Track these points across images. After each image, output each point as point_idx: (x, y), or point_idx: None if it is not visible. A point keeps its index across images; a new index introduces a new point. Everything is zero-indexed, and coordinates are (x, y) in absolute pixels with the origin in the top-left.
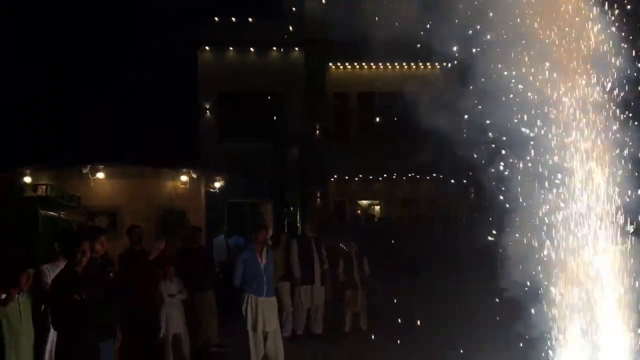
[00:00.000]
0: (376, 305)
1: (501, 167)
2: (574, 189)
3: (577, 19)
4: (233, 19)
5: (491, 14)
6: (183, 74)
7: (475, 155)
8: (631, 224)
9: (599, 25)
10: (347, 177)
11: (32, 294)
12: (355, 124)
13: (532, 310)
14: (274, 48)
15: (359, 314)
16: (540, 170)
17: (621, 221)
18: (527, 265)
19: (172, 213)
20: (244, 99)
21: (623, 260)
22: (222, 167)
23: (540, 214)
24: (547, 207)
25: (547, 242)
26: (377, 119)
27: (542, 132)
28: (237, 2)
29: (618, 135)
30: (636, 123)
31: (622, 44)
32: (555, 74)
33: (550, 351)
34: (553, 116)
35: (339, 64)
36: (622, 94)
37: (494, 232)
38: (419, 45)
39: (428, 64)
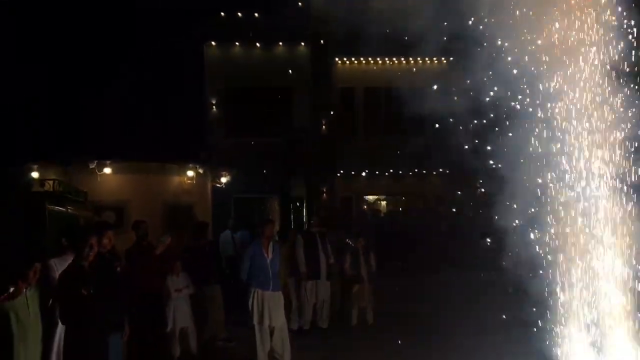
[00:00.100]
0: (382, 300)
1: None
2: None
3: None
4: (239, 14)
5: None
6: (189, 70)
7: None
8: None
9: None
10: (353, 172)
11: (39, 288)
12: (362, 118)
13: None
14: (280, 43)
15: (366, 308)
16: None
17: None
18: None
19: (178, 208)
20: (250, 94)
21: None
22: (228, 162)
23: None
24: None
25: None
26: (383, 114)
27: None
28: None
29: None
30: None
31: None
32: None
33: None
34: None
35: (345, 58)
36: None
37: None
38: (424, 39)
39: (435, 58)
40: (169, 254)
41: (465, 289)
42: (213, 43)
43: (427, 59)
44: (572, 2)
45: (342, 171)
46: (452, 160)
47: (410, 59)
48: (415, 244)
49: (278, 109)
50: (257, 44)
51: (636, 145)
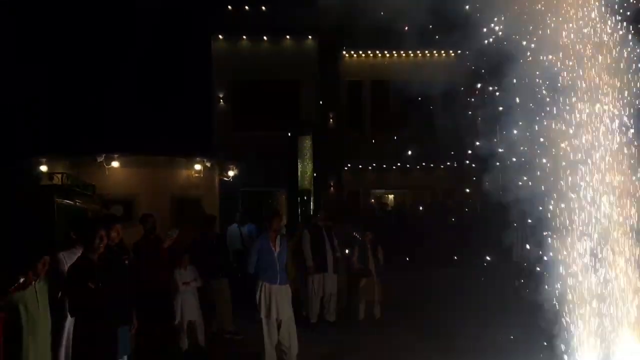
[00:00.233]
0: (390, 294)
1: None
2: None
3: None
4: (246, 7)
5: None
6: (197, 63)
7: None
8: None
9: None
10: (360, 166)
11: (48, 281)
12: (369, 112)
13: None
14: (288, 37)
15: (373, 302)
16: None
17: None
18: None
19: (186, 202)
20: (257, 87)
21: None
22: (236, 156)
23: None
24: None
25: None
26: (391, 107)
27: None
28: None
29: None
30: None
31: None
32: None
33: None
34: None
35: (352, 52)
36: None
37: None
38: (433, 33)
39: (442, 51)
40: (177, 248)
41: (472, 283)
42: (220, 36)
43: (434, 52)
44: None
45: (349, 165)
46: (460, 154)
47: (418, 52)
48: (423, 237)
49: (285, 102)
50: (265, 37)
51: None
